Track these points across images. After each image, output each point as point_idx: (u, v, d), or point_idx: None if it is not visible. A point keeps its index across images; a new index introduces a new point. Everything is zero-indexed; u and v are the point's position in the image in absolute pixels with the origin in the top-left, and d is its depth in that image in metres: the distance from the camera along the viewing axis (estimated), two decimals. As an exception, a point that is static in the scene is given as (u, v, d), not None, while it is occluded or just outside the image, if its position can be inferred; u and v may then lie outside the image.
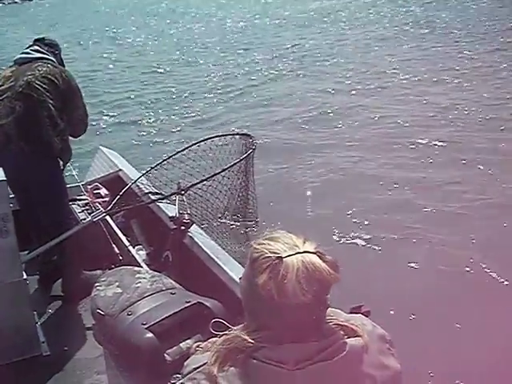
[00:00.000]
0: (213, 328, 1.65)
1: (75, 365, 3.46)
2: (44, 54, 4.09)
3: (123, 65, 17.27)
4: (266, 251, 1.38)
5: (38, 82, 3.81)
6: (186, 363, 1.56)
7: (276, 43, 18.46)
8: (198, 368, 1.44)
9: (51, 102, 3.83)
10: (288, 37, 19.49)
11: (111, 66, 17.24)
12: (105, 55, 19.08)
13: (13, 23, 29.50)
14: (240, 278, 1.51)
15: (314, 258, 1.36)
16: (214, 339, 1.67)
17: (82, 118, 4.15)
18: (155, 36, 22.78)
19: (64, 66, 4.27)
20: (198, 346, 1.71)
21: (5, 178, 3.19)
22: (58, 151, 3.87)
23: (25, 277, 3.39)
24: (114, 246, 4.27)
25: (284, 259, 1.35)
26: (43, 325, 3.75)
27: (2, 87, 3.88)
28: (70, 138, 4.11)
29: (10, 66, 4.07)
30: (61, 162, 4.01)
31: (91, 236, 4.15)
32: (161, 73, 15.57)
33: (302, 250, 1.37)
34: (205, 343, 1.68)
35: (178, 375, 1.75)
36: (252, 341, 1.36)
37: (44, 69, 3.89)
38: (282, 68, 14.65)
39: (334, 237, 5.96)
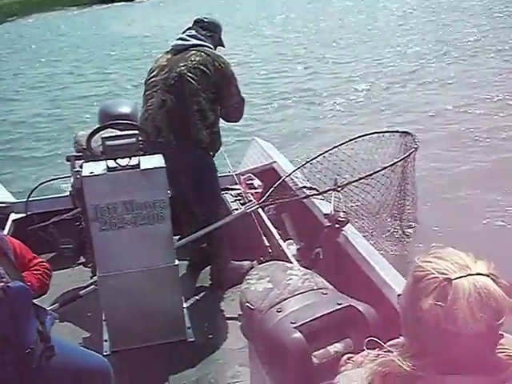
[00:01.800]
0: (367, 346, 1.49)
1: (218, 354, 3.47)
2: (200, 39, 4.04)
3: (287, 56, 17.40)
4: (433, 271, 1.23)
5: (190, 74, 3.81)
6: (337, 379, 1.43)
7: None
8: (350, 389, 1.31)
9: (202, 94, 3.83)
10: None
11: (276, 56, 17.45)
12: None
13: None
14: (399, 295, 1.35)
15: (488, 282, 1.20)
16: (366, 353, 1.53)
17: (238, 106, 4.09)
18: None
19: (224, 46, 4.25)
20: (348, 358, 1.59)
21: (164, 165, 3.25)
22: (206, 144, 3.89)
23: (177, 263, 3.45)
24: (264, 238, 4.24)
25: (453, 281, 1.19)
26: (189, 311, 3.80)
27: (157, 78, 3.94)
28: (226, 123, 4.13)
29: (167, 52, 4.09)
30: (210, 152, 4.03)
31: (242, 227, 4.15)
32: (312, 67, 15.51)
33: (474, 272, 1.21)
34: (356, 356, 1.56)
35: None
36: (409, 369, 1.21)
37: (197, 58, 3.88)
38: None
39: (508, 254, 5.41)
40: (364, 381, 1.27)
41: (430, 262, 1.26)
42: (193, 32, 4.08)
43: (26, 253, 2.60)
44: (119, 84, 15.64)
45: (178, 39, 4.10)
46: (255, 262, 4.19)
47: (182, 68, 3.84)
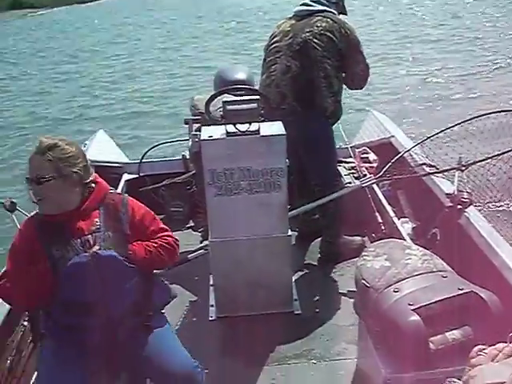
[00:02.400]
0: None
1: (324, 329, 3.37)
2: (324, 5, 3.89)
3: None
4: None
5: (316, 41, 3.70)
6: (471, 373, 1.32)
7: None
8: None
9: (328, 61, 3.71)
10: None
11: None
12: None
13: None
14: None
15: None
16: (502, 346, 1.41)
17: (364, 73, 3.91)
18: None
19: (346, 13, 4.09)
20: (480, 350, 1.47)
21: (284, 133, 3.18)
22: (330, 113, 3.79)
23: (290, 233, 3.40)
24: (377, 214, 4.12)
25: None
26: (297, 283, 3.73)
27: (280, 43, 3.84)
28: (350, 90, 4.01)
29: (290, 18, 3.97)
30: (331, 121, 3.91)
31: (355, 201, 4.04)
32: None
33: None
34: (490, 349, 1.44)
35: (454, 378, 1.53)
36: None
37: (323, 24, 3.74)
38: None
39: None
40: (508, 378, 1.15)
41: None
42: None
43: (148, 221, 2.47)
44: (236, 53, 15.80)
45: (301, 4, 3.96)
46: (366, 238, 4.09)
47: (308, 34, 3.72)
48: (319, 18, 3.79)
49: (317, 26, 3.74)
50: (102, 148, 5.38)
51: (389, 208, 4.04)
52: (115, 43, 21.89)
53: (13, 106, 12.97)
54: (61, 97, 13.65)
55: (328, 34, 3.71)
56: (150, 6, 29.85)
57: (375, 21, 18.92)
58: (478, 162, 3.51)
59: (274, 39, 3.90)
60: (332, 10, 3.89)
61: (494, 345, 1.44)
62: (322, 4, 3.89)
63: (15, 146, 9.89)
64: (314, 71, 3.70)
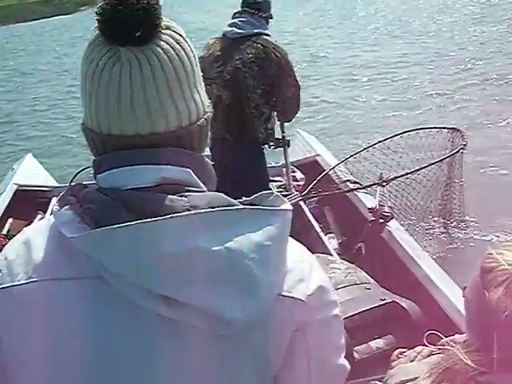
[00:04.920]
0: (427, 340, 1.46)
1: None
2: (255, 25, 3.76)
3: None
4: (503, 262, 1.19)
5: (246, 69, 3.65)
6: (391, 372, 1.40)
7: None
8: (408, 382, 1.28)
9: (259, 91, 3.68)
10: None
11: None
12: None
13: None
14: (464, 287, 1.31)
15: None
16: (420, 348, 1.51)
17: (294, 96, 3.84)
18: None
19: (272, 17, 3.92)
20: (400, 353, 1.56)
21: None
22: (262, 140, 3.80)
23: None
24: (305, 230, 4.21)
25: None
26: None
27: (210, 70, 3.71)
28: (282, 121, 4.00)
29: (220, 39, 3.83)
30: (263, 146, 3.92)
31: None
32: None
33: None
34: (409, 352, 1.53)
35: (376, 381, 1.61)
36: (473, 364, 1.17)
37: (253, 51, 3.66)
38: None
39: None
40: (422, 374, 1.23)
41: (501, 253, 1.22)
42: (246, 17, 3.78)
43: None
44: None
45: (231, 25, 3.82)
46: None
47: (238, 62, 3.66)
48: (249, 43, 3.70)
49: (247, 53, 3.67)
50: (30, 172, 5.32)
51: (316, 224, 4.13)
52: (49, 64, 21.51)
53: None
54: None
55: (258, 61, 3.65)
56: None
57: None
58: (398, 177, 3.67)
59: (204, 63, 3.75)
60: (264, 31, 3.78)
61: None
62: (253, 25, 3.77)
63: None
64: (245, 102, 3.66)
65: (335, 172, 4.20)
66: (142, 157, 0.93)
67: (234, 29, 3.77)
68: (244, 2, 3.86)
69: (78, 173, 4.97)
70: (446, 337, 1.45)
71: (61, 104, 14.01)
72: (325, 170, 4.25)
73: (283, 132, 4.11)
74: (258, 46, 3.69)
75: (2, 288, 0.93)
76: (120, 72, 0.92)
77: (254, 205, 0.93)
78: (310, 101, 10.81)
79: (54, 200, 4.88)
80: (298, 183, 4.62)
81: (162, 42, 0.94)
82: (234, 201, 0.93)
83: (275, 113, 3.89)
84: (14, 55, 23.50)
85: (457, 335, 1.46)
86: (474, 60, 12.61)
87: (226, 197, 0.93)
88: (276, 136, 3.99)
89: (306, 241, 3.72)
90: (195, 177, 0.96)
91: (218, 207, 0.89)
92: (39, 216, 4.76)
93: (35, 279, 0.92)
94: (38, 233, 0.98)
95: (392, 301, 2.35)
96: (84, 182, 0.99)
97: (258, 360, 0.95)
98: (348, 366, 1.09)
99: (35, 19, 38.86)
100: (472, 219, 4.76)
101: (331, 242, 3.91)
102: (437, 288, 2.81)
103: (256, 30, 3.75)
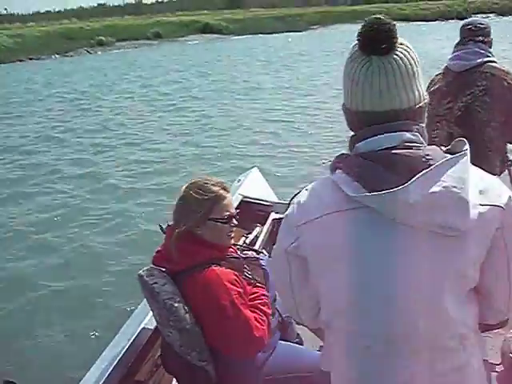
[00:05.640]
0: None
1: None
2: (481, 54, 3.55)
3: None
4: None
5: (478, 103, 3.47)
6: None
7: None
8: None
9: (493, 124, 3.48)
10: None
11: None
12: None
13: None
14: None
15: None
16: None
17: None
18: None
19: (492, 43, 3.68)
20: None
21: None
22: (498, 174, 3.56)
23: None
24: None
25: None
26: None
27: (439, 108, 3.59)
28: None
29: (443, 73, 3.69)
30: None
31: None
32: None
33: None
34: None
35: None
36: None
37: (484, 83, 3.47)
38: None
39: None
40: None
41: None
42: (470, 47, 3.59)
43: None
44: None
45: (453, 58, 3.64)
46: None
47: (468, 98, 3.50)
48: (477, 74, 3.51)
49: (477, 86, 3.50)
50: (254, 185, 5.58)
51: None
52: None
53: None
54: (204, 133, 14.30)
55: (490, 91, 3.46)
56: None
57: None
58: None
59: (432, 100, 3.53)
60: (491, 59, 3.58)
61: None
62: (477, 54, 3.57)
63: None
64: (479, 138, 3.42)
65: None
66: (387, 128, 1.49)
67: (459, 61, 3.60)
68: (465, 31, 3.67)
69: (298, 193, 5.20)
70: None
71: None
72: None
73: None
74: (487, 75, 3.50)
75: (309, 221, 1.53)
76: (372, 72, 1.48)
77: (456, 152, 1.49)
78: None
79: (273, 215, 5.15)
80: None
81: (398, 52, 1.50)
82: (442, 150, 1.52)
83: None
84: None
85: None
86: None
87: (438, 149, 1.51)
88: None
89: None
90: (421, 138, 1.52)
91: (441, 158, 1.45)
92: (257, 229, 5.03)
93: (326, 213, 1.51)
94: (321, 185, 1.58)
95: None
96: (342, 152, 1.57)
97: (473, 253, 1.46)
98: None
99: (269, 33, 41.78)
100: None
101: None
102: None
103: (481, 59, 3.56)
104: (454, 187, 1.41)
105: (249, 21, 49.29)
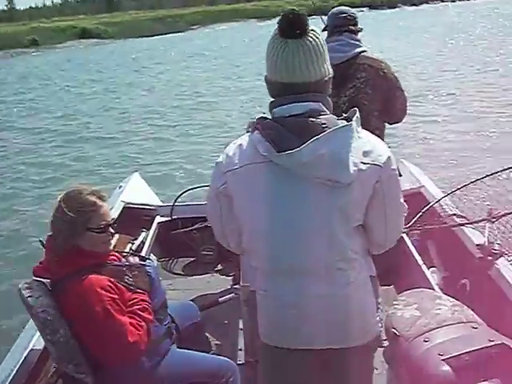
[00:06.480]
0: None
1: None
2: (354, 45, 3.68)
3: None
4: None
5: (362, 96, 3.60)
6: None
7: None
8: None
9: (375, 113, 3.64)
10: None
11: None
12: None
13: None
14: None
15: None
16: None
17: (402, 106, 3.80)
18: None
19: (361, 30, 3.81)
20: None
21: None
22: None
23: None
24: (406, 264, 4.12)
25: None
26: None
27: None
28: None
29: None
30: None
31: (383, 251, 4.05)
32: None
33: None
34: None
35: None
36: None
37: (363, 74, 3.62)
38: None
39: None
40: None
41: None
42: (343, 38, 3.68)
43: None
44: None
45: (330, 50, 3.59)
46: (392, 286, 4.08)
47: (351, 90, 3.62)
48: (355, 66, 3.64)
49: (357, 78, 3.63)
50: (136, 190, 5.52)
51: (418, 257, 4.04)
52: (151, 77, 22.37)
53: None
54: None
55: (370, 82, 3.62)
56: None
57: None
58: (509, 213, 3.53)
59: None
60: (364, 49, 3.72)
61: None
62: (352, 45, 3.69)
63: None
64: (364, 127, 3.50)
65: (440, 205, 4.10)
66: (297, 98, 1.91)
67: (336, 54, 3.55)
68: (339, 19, 3.74)
69: (182, 193, 5.14)
70: None
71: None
72: (429, 203, 4.16)
73: None
74: (365, 66, 3.65)
75: (233, 170, 1.99)
76: (288, 52, 1.90)
77: (350, 120, 1.93)
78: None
79: (158, 219, 5.05)
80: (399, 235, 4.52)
81: (309, 37, 1.92)
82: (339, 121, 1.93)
83: None
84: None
85: None
86: None
87: (334, 118, 1.94)
88: None
89: (409, 274, 3.67)
90: (324, 107, 1.95)
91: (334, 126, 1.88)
92: (143, 234, 4.93)
93: (245, 164, 1.97)
94: (244, 141, 2.02)
95: (502, 343, 2.25)
96: (261, 116, 1.99)
97: (356, 200, 1.92)
98: (406, 205, 2.11)
99: (148, 36, 41.22)
100: None
101: (434, 277, 3.81)
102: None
103: (356, 50, 3.69)
104: (338, 150, 1.85)
105: (127, 24, 48.38)
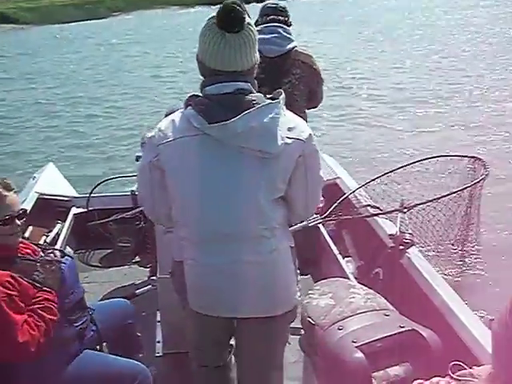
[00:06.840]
0: (451, 370, 1.45)
1: None
2: (288, 39, 3.72)
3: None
4: None
5: (296, 92, 3.68)
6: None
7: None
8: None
9: (305, 104, 3.77)
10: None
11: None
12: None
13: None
14: (491, 320, 1.31)
15: None
16: (437, 379, 1.50)
17: (321, 95, 3.95)
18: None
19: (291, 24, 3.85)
20: (418, 384, 1.55)
21: None
22: None
23: None
24: (322, 253, 4.21)
25: None
26: None
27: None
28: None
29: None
30: None
31: (300, 240, 4.10)
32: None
33: None
34: (426, 382, 1.52)
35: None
36: None
37: (298, 71, 3.69)
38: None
39: None
40: None
41: None
42: (278, 30, 3.71)
43: None
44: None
45: (266, 42, 3.60)
46: (309, 276, 4.17)
47: (287, 86, 3.62)
48: (290, 61, 3.70)
49: (293, 74, 3.69)
50: (50, 181, 5.37)
51: (334, 247, 4.13)
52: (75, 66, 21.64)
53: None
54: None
55: (304, 79, 3.72)
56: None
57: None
58: (419, 204, 3.67)
59: None
60: (296, 43, 3.77)
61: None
62: (287, 39, 3.73)
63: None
64: None
65: (355, 196, 4.20)
66: (228, 79, 2.04)
67: (272, 46, 3.66)
68: (267, 9, 3.78)
69: (98, 184, 5.04)
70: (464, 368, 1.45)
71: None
72: (345, 194, 4.26)
73: None
74: (299, 63, 3.72)
75: (166, 142, 2.06)
76: (225, 44, 2.00)
77: (274, 99, 2.07)
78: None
79: (74, 210, 4.93)
80: (318, 205, 4.62)
81: (245, 31, 2.02)
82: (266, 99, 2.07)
83: None
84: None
85: (475, 367, 1.45)
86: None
87: (262, 96, 2.08)
88: None
89: (324, 263, 3.75)
90: (252, 88, 2.09)
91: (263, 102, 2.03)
92: (58, 226, 4.81)
93: (179, 136, 2.05)
94: (176, 116, 2.10)
95: (412, 329, 2.34)
96: (193, 93, 2.10)
97: (281, 171, 2.06)
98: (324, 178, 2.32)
99: (68, 22, 39.71)
100: (490, 249, 4.76)
101: (349, 266, 3.91)
102: (455, 317, 2.81)
103: (291, 45, 3.74)
104: (268, 123, 1.99)
105: (45, 9, 46.50)
